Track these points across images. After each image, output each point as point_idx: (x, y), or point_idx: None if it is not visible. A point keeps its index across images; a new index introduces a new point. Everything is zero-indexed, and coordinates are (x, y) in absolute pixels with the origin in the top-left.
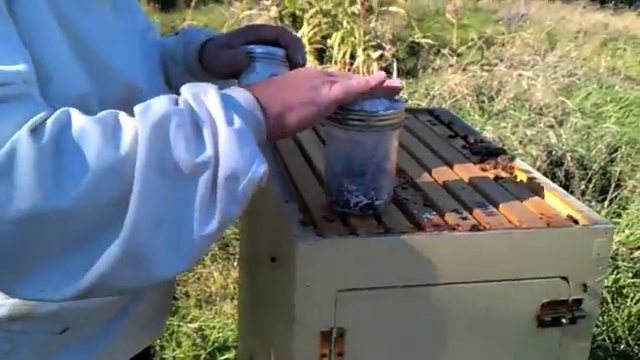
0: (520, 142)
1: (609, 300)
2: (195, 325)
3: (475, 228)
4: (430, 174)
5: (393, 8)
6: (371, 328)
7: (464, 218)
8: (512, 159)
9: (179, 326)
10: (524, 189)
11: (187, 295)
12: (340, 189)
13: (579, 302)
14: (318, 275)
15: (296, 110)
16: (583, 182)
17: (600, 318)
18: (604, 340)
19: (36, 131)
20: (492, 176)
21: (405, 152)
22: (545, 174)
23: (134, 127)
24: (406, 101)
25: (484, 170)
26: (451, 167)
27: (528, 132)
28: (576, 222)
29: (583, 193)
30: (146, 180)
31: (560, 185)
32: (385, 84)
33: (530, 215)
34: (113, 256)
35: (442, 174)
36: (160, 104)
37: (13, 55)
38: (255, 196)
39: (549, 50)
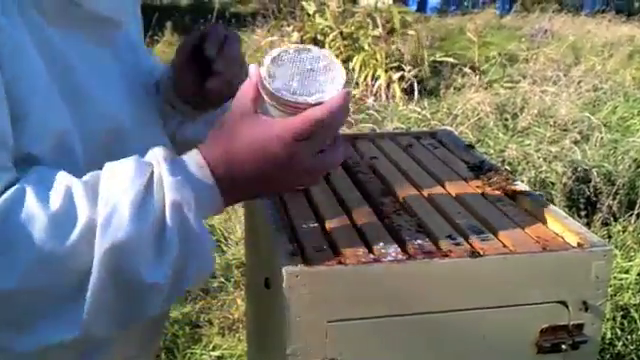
0: (545, 159)
1: (637, 318)
2: (217, 353)
3: (468, 254)
4: (426, 199)
5: (411, 31)
6: (364, 359)
7: (457, 244)
8: (512, 181)
9: (201, 355)
10: (522, 212)
11: (210, 323)
12: None
13: (580, 327)
14: (307, 306)
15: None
16: (610, 198)
17: (628, 337)
18: (633, 359)
19: None
20: (490, 199)
21: (403, 176)
22: (571, 191)
23: (87, 225)
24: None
25: (482, 193)
26: (448, 191)
27: (553, 149)
28: (573, 245)
29: (610, 208)
30: (100, 291)
31: (587, 202)
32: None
33: (526, 239)
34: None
35: (439, 198)
36: (124, 218)
37: None
38: (254, 225)
39: (574, 65)
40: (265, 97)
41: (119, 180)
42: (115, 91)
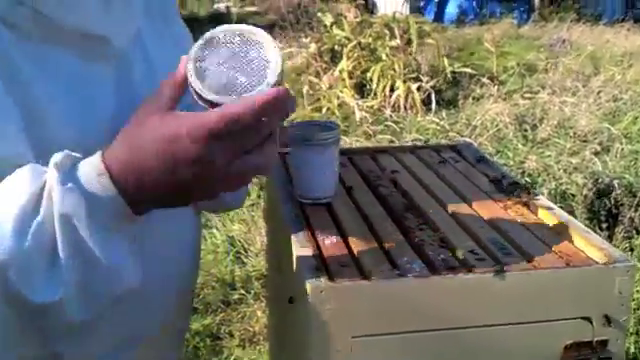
0: (565, 171)
1: None
2: None
3: (492, 270)
4: (449, 213)
5: (430, 40)
6: None
7: (481, 259)
8: (534, 195)
9: None
10: (544, 227)
11: (231, 335)
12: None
13: (604, 343)
14: (332, 321)
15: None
16: (632, 210)
17: None
18: None
19: None
20: (512, 214)
21: (425, 191)
22: (592, 203)
23: None
24: (447, 131)
25: (505, 207)
26: (471, 205)
27: (573, 160)
28: (596, 261)
29: (632, 221)
30: None
31: (608, 214)
32: None
33: (549, 254)
34: None
35: (461, 213)
36: (6, 233)
37: None
38: (276, 238)
39: (593, 75)
40: (194, 95)
41: (8, 193)
42: (92, 111)
